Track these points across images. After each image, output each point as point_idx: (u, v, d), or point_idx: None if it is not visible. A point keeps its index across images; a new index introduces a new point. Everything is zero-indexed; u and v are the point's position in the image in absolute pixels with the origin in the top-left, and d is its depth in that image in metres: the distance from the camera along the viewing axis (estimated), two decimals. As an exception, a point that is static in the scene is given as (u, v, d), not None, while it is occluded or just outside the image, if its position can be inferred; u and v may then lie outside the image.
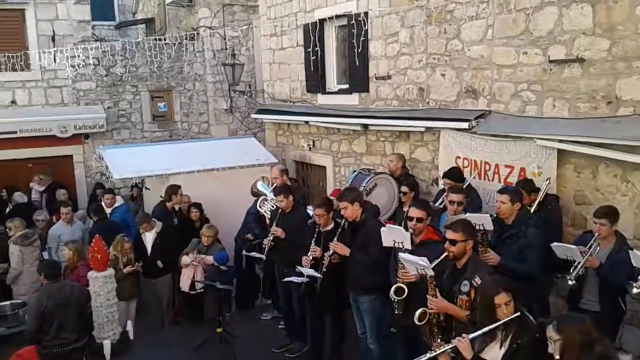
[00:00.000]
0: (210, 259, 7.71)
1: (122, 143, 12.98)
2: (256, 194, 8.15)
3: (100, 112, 12.68)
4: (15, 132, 11.91)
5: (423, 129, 8.00)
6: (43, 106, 12.41)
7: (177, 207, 8.60)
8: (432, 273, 4.48)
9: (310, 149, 10.84)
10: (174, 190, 8.52)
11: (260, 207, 7.83)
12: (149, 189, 10.57)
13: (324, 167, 10.58)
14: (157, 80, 13.30)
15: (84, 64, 11.56)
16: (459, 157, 7.36)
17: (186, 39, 13.24)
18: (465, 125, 7.07)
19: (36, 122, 12.01)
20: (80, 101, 12.73)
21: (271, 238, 6.86)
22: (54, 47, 12.05)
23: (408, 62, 8.22)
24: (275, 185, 8.09)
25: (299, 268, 6.06)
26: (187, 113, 13.87)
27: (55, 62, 10.17)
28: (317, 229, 6.13)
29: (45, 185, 11.12)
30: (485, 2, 6.83)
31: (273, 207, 7.44)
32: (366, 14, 8.63)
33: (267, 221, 7.44)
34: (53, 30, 12.28)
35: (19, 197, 10.80)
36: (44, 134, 12.12)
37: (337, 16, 9.51)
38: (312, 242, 6.07)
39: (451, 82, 7.55)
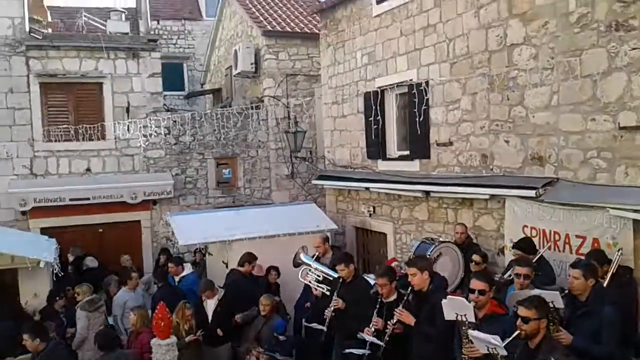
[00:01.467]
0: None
1: (187, 209, 13.36)
2: (298, 264, 8.12)
3: (169, 179, 13.17)
4: (89, 199, 12.48)
5: (487, 196, 7.81)
6: (115, 173, 13.02)
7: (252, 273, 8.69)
8: (504, 353, 4.24)
9: (370, 215, 10.78)
10: (250, 258, 8.63)
11: (303, 278, 7.76)
12: (211, 255, 10.74)
13: (385, 234, 10.46)
14: (222, 148, 13.74)
15: (155, 134, 12.14)
16: (527, 226, 7.09)
17: (251, 108, 13.79)
18: (532, 193, 6.85)
19: (108, 189, 12.57)
20: (150, 168, 13.28)
21: (332, 309, 6.72)
22: (128, 117, 12.81)
23: (470, 128, 8.15)
24: (317, 254, 8.09)
25: (361, 334, 5.88)
26: (250, 179, 14.18)
27: (129, 132, 10.71)
28: (379, 300, 5.97)
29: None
30: (549, 69, 6.74)
31: (318, 276, 7.38)
32: (427, 82, 8.70)
33: (314, 291, 7.36)
34: (128, 102, 13.03)
35: (90, 261, 11.19)
36: (114, 200, 12.63)
37: (398, 84, 9.65)
38: (374, 313, 5.91)
39: (516, 149, 7.40)
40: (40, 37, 12.44)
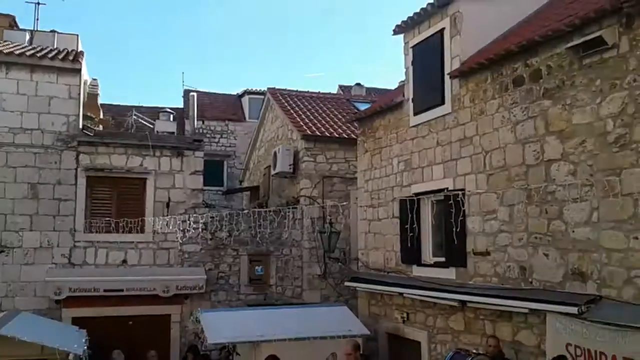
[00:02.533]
0: None
1: (218, 305, 13.30)
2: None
3: (202, 273, 13.25)
4: (122, 290, 12.59)
5: (527, 311, 7.60)
6: (150, 266, 13.18)
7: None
8: None
9: (404, 321, 10.54)
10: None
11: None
12: (239, 355, 10.55)
13: (419, 343, 10.15)
14: (256, 245, 13.87)
15: (192, 230, 12.38)
16: (570, 345, 6.82)
17: (287, 207, 14.03)
18: (574, 309, 6.65)
19: (142, 281, 12.69)
20: (184, 262, 13.43)
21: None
22: (168, 212, 13.17)
23: (508, 239, 8.11)
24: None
25: None
26: (282, 277, 14.16)
27: (168, 227, 10.97)
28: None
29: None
30: (588, 185, 6.78)
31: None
32: (463, 191, 8.80)
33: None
34: (169, 198, 13.46)
35: (117, 355, 11.10)
36: (147, 293, 12.70)
37: (434, 192, 9.78)
38: None
39: (555, 263, 7.29)
40: (91, 135, 13.17)
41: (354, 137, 13.72)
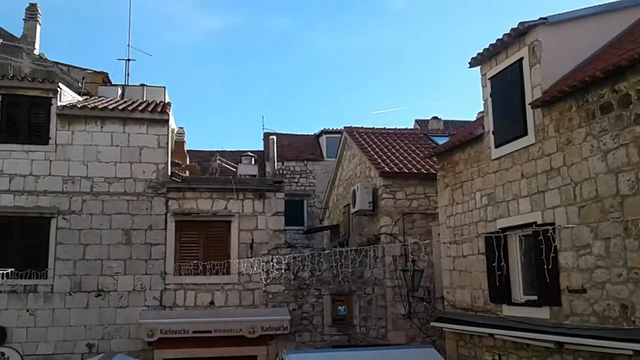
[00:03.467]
0: None
1: (303, 346, 13.29)
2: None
3: (286, 314, 13.33)
4: (210, 332, 12.88)
5: (630, 352, 7.03)
6: (236, 307, 13.44)
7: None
8: None
9: (496, 364, 10.02)
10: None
11: None
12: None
13: (513, 387, 9.59)
14: (338, 285, 13.82)
15: (276, 270, 12.53)
16: (684, 392, 6.22)
17: (368, 245, 13.93)
18: (686, 352, 6.08)
19: (229, 322, 12.94)
20: (269, 303, 13.59)
21: None
22: (252, 253, 13.45)
23: (605, 275, 7.60)
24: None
25: None
26: (365, 317, 13.96)
27: (253, 268, 11.18)
28: None
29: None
30: (693, 215, 6.27)
31: None
32: (553, 225, 8.39)
33: None
34: (252, 239, 13.76)
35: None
36: (234, 334, 12.92)
37: (521, 226, 9.39)
38: None
39: (661, 301, 6.73)
40: (179, 181, 13.80)
41: (433, 172, 13.51)
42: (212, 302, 13.41)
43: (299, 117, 54.67)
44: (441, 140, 16.09)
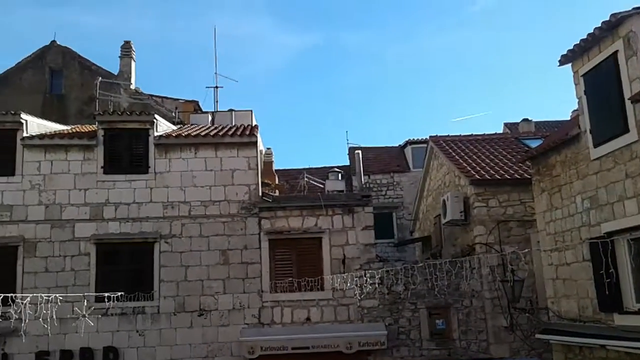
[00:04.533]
0: None
1: (401, 361, 13.10)
2: None
3: (382, 329, 13.22)
4: (308, 348, 13.03)
5: None
6: (332, 323, 13.51)
7: None
8: None
9: (611, 378, 9.37)
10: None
11: None
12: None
13: (632, 402, 8.92)
14: (434, 297, 13.54)
15: (370, 286, 12.48)
16: None
17: (462, 256, 13.57)
18: None
19: (326, 338, 13.03)
20: (364, 318, 13.55)
21: None
22: (344, 269, 13.50)
23: None
24: None
25: None
26: (465, 330, 13.56)
27: (347, 285, 11.22)
28: None
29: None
30: None
31: None
32: (666, 227, 7.79)
33: None
34: (343, 255, 13.83)
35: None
36: (331, 350, 12.97)
37: (629, 229, 8.79)
38: None
39: None
40: (270, 200, 14.16)
41: (528, 176, 12.97)
42: (308, 318, 13.56)
43: (382, 130, 54.56)
44: (534, 143, 15.43)
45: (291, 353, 12.98)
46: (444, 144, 16.73)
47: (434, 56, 56.34)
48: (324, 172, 20.64)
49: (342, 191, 16.42)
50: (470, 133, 18.35)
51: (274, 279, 13.71)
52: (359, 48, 58.70)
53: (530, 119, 24.11)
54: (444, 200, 14.75)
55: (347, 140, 26.96)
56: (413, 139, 23.88)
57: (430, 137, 17.80)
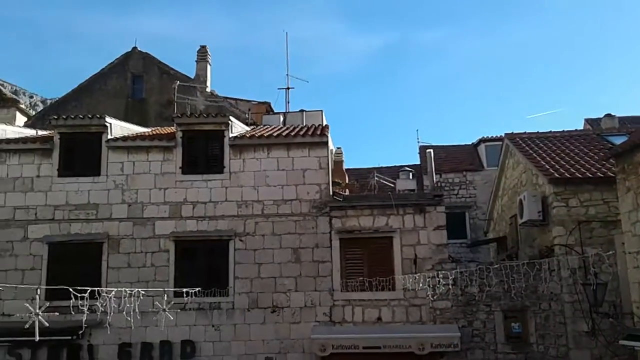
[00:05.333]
0: None
1: (475, 364, 12.80)
2: None
3: (455, 331, 12.98)
4: (379, 347, 12.98)
5: None
6: (404, 323, 13.39)
7: None
8: None
9: None
10: None
11: None
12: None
13: None
14: (510, 300, 13.12)
15: (443, 287, 12.26)
16: None
17: (540, 257, 13.07)
18: None
19: (398, 338, 12.94)
20: (436, 319, 13.34)
21: None
22: (415, 269, 13.34)
23: None
24: None
25: None
26: (542, 335, 13.07)
27: (419, 286, 11.09)
28: None
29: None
30: None
31: None
32: None
33: None
34: (415, 254, 13.67)
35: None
36: (403, 351, 12.86)
37: None
38: None
39: None
40: (340, 200, 14.21)
41: (611, 175, 12.32)
42: (379, 318, 13.52)
43: (453, 128, 53.44)
44: (618, 140, 14.62)
45: (362, 352, 12.99)
46: (520, 142, 16.17)
47: (511, 51, 54.57)
48: (394, 171, 20.49)
49: (413, 190, 16.27)
50: (548, 130, 17.62)
51: (344, 277, 13.76)
52: (432, 46, 57.81)
53: (613, 114, 22.83)
54: (520, 200, 14.26)
55: (418, 138, 26.51)
56: (487, 137, 23.20)
57: (506, 134, 17.25)
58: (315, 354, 13.16)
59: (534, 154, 15.05)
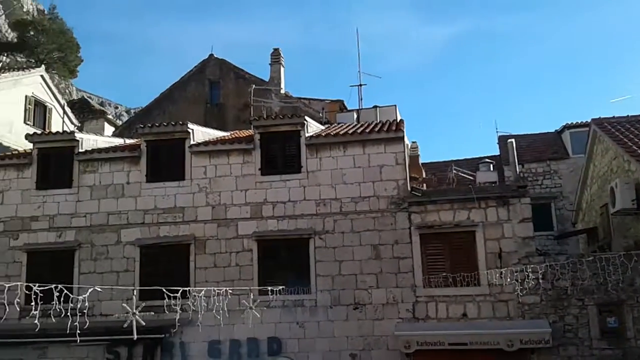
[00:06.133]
0: None
1: (569, 361, 12.26)
2: None
3: (546, 326, 12.49)
4: (466, 344, 12.72)
5: None
6: (490, 319, 13.04)
7: None
8: None
9: None
10: None
11: None
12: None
13: None
14: (604, 293, 12.46)
15: (532, 281, 11.84)
16: None
17: (635, 248, 12.34)
18: None
19: (485, 335, 12.62)
20: (524, 315, 12.89)
21: None
22: (501, 263, 12.95)
23: None
24: None
25: None
26: (641, 329, 12.32)
27: (505, 280, 10.76)
28: None
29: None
30: None
31: None
32: None
33: None
34: (500, 248, 13.27)
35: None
36: (491, 347, 12.53)
37: None
38: None
39: None
40: (419, 195, 14.03)
41: None
42: (464, 314, 13.23)
43: (533, 116, 51.41)
44: None
45: (448, 349, 12.78)
46: (609, 127, 15.31)
47: (591, 35, 51.75)
48: (473, 164, 20.00)
49: (494, 182, 15.79)
50: (634, 114, 16.53)
51: (426, 273, 13.57)
52: (509, 32, 55.90)
53: None
54: (612, 188, 13.52)
55: (497, 128, 25.64)
56: (571, 123, 22.11)
57: (593, 119, 16.37)
58: (399, 350, 13.08)
59: (625, 139, 14.21)
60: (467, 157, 22.73)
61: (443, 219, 13.79)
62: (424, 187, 15.74)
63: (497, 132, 23.91)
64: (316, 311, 13.81)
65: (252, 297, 11.10)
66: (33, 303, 6.79)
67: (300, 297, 13.82)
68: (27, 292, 7.49)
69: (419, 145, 19.85)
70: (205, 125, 17.55)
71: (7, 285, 7.35)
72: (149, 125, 15.69)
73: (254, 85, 20.48)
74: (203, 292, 9.94)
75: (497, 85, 54.52)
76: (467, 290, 13.23)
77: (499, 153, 22.33)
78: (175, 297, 8.87)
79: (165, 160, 15.24)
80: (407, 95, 54.12)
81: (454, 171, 18.37)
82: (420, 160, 19.90)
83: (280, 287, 12.65)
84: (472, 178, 17.36)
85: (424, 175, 18.89)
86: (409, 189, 14.18)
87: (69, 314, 7.53)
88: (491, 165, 16.93)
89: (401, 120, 16.06)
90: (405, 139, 15.38)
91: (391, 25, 54.64)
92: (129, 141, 17.51)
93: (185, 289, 9.63)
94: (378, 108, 20.02)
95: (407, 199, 14.00)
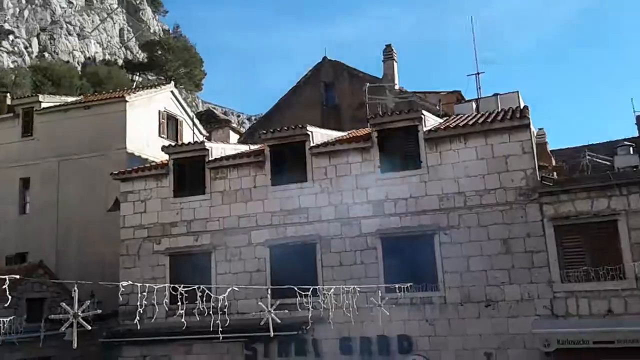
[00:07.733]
0: None
1: None
2: None
3: None
4: (613, 342, 11.77)
5: None
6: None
7: None
8: None
9: None
10: None
11: None
12: None
13: None
14: None
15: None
16: None
17: None
18: None
19: (635, 332, 11.59)
20: (681, 311, 11.69)
21: None
22: (652, 254, 11.84)
23: None
24: None
25: None
26: None
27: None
28: None
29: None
30: None
31: None
32: None
33: None
34: (646, 238, 12.14)
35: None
36: (641, 346, 11.51)
37: None
38: None
39: None
40: (550, 184, 13.22)
41: None
42: (609, 310, 12.27)
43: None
44: None
45: (593, 347, 11.90)
46: None
47: None
48: (608, 148, 18.44)
49: (636, 167, 14.48)
50: None
51: (563, 267, 12.76)
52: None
53: None
54: None
55: (633, 108, 23.37)
56: None
57: None
58: (538, 349, 12.40)
59: None
60: (602, 142, 21.00)
61: (579, 209, 12.89)
62: (555, 176, 14.80)
63: (634, 112, 21.83)
64: (446, 308, 13.51)
65: (380, 294, 11.11)
66: (179, 303, 7.31)
67: (428, 295, 13.62)
68: (172, 292, 8.08)
69: (546, 132, 18.71)
70: (322, 126, 17.85)
71: (156, 287, 8.01)
72: (271, 130, 16.27)
73: (368, 84, 20.50)
74: (332, 290, 10.10)
75: (630, 60, 49.91)
76: (611, 285, 12.27)
77: (637, 134, 20.40)
78: (306, 295, 9.13)
79: (288, 163, 15.71)
80: (529, 80, 51.28)
81: (588, 157, 17.09)
82: (549, 148, 18.74)
83: (408, 285, 12.52)
84: (608, 163, 16.06)
85: (553, 164, 17.77)
86: (538, 178, 13.42)
87: (210, 312, 8.00)
88: (631, 148, 15.53)
89: (525, 107, 15.23)
90: (531, 126, 14.57)
91: (507, 8, 52.07)
92: (253, 147, 18.29)
93: (316, 287, 9.86)
94: (499, 96, 19.13)
95: (537, 190, 13.25)
